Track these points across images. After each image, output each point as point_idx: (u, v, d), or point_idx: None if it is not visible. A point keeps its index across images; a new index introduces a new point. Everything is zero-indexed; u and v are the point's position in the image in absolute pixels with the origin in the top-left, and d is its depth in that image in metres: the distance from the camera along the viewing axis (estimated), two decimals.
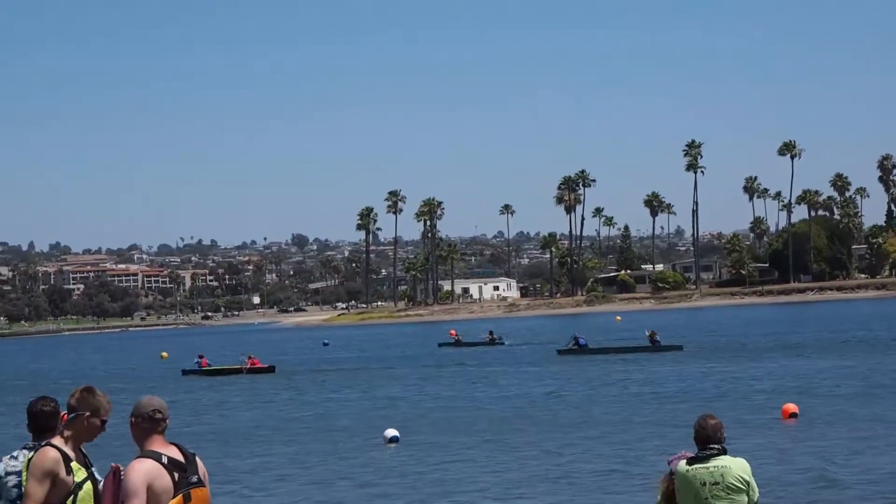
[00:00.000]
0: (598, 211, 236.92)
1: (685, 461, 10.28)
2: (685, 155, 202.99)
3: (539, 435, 35.25)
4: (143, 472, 8.01)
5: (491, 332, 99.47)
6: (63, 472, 8.38)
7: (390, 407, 47.79)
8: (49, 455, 8.39)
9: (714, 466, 10.11)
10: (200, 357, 79.55)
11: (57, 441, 8.48)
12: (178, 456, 8.20)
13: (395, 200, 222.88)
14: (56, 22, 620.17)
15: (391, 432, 35.39)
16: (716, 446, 10.19)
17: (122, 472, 8.18)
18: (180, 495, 8.07)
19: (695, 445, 10.35)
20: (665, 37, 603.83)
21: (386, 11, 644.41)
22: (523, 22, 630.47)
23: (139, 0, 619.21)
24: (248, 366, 74.68)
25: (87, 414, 8.48)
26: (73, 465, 8.46)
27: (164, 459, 8.10)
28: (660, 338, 74.78)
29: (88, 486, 8.50)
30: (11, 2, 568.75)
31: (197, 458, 8.31)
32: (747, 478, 10.16)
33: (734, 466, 10.15)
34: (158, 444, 8.20)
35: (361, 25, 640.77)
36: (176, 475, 8.09)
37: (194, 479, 8.18)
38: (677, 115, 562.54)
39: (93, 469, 8.64)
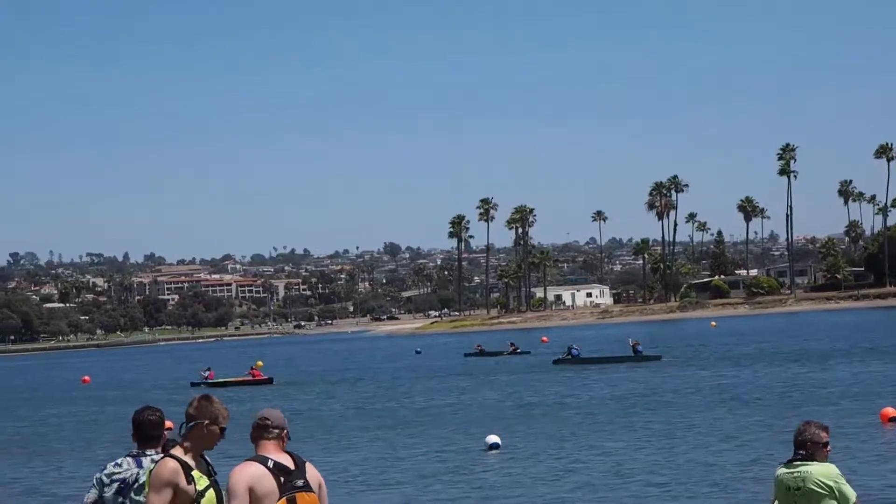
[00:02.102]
0: (691, 216, 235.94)
1: (781, 465, 10.33)
2: (779, 159, 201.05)
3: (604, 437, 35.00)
4: (246, 474, 8.22)
5: (512, 343, 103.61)
6: (184, 482, 8.40)
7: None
8: (168, 466, 8.43)
9: (797, 472, 10.11)
10: (208, 370, 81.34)
11: (176, 451, 8.52)
12: (288, 462, 8.40)
13: (486, 208, 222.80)
14: (134, 29, 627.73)
15: (492, 438, 34.94)
16: (802, 451, 10.16)
17: None
18: (284, 498, 8.24)
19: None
20: (757, 42, 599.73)
21: (477, 28, 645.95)
22: (616, 35, 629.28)
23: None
24: (251, 377, 76.79)
25: (207, 422, 8.53)
26: (195, 473, 8.49)
27: (270, 463, 8.31)
28: (641, 348, 77.75)
29: (211, 493, 8.53)
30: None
31: (308, 466, 8.49)
32: (831, 483, 10.04)
33: (816, 471, 10.07)
34: (270, 451, 8.42)
35: (456, 40, 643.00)
36: (281, 479, 8.27)
37: (299, 482, 8.34)
38: (771, 119, 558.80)
39: (215, 476, 8.67)
